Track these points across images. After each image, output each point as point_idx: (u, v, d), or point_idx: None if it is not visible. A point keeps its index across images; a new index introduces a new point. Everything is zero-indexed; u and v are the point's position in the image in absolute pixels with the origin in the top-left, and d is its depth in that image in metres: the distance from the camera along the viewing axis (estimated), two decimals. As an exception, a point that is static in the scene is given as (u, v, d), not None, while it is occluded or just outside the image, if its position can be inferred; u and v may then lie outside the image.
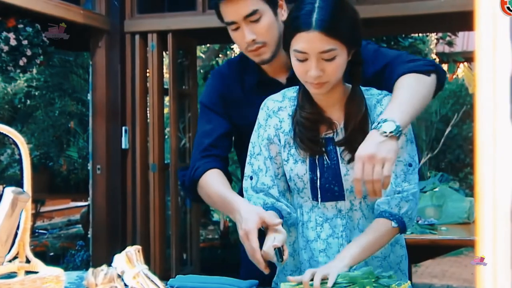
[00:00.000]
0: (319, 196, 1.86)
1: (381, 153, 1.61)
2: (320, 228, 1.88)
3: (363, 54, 1.86)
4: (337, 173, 1.84)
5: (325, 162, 1.85)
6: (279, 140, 1.90)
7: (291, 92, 1.93)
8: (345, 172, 1.83)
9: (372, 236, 1.78)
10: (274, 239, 1.72)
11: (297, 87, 1.90)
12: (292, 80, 1.94)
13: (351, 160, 1.80)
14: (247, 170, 1.95)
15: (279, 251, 1.72)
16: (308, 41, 1.70)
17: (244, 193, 1.95)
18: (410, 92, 1.74)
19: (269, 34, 1.95)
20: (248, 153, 1.96)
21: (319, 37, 1.69)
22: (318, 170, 1.85)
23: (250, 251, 1.74)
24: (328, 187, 1.85)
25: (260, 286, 1.87)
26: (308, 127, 1.85)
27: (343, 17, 1.73)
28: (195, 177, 2.04)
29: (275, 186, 1.90)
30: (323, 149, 1.85)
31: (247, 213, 1.77)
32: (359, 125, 1.81)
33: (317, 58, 1.71)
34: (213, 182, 1.99)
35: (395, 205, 1.82)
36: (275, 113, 1.91)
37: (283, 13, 2.03)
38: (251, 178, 1.93)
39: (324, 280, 1.65)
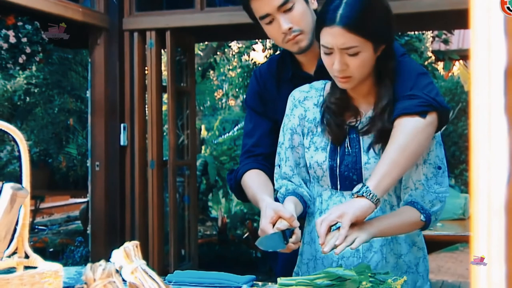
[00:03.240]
0: (338, 184, 1.88)
1: (342, 206, 1.68)
2: None
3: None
4: (357, 161, 1.85)
5: (346, 150, 1.87)
6: (302, 130, 1.93)
7: (319, 83, 1.97)
8: (366, 160, 1.84)
9: (400, 219, 1.79)
10: (280, 223, 1.74)
11: (326, 80, 1.93)
12: (319, 72, 1.98)
13: (369, 147, 1.83)
14: (276, 159, 2.00)
15: (283, 234, 1.73)
16: (332, 36, 1.73)
17: (275, 182, 2.00)
18: (397, 150, 1.72)
19: (304, 21, 1.95)
20: (278, 142, 2.01)
21: (341, 33, 1.71)
22: (338, 158, 1.87)
23: None
24: (347, 175, 1.87)
25: (259, 281, 1.89)
26: (336, 113, 1.88)
27: (370, 14, 1.74)
28: (237, 180, 2.09)
29: (295, 175, 1.94)
30: (347, 136, 1.87)
31: (264, 210, 1.80)
32: (379, 115, 1.83)
33: (340, 53, 1.74)
34: (249, 183, 2.03)
35: (428, 201, 1.83)
36: (301, 103, 1.95)
37: (313, 1, 2.04)
38: (279, 166, 1.98)
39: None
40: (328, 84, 1.93)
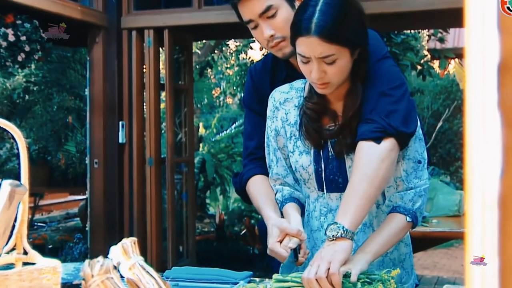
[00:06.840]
0: (324, 186, 1.88)
1: (327, 255, 1.64)
2: (324, 218, 1.90)
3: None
4: (341, 165, 1.85)
5: (329, 154, 1.86)
6: (285, 132, 1.92)
7: (299, 83, 1.93)
8: (350, 164, 1.83)
9: (389, 232, 1.78)
10: (289, 241, 1.74)
11: (306, 79, 1.89)
12: None
13: (341, 153, 1.83)
14: (267, 160, 1.99)
15: (294, 252, 1.75)
16: (308, 46, 1.70)
17: (270, 183, 2.00)
18: (366, 181, 1.70)
19: (287, 28, 1.86)
20: (265, 144, 2.00)
21: (318, 43, 1.68)
22: (322, 162, 1.86)
23: (281, 261, 1.80)
24: (333, 179, 1.86)
25: (256, 277, 1.90)
26: (314, 118, 1.86)
27: (345, 20, 1.70)
28: (242, 185, 2.08)
29: (289, 174, 1.94)
30: (328, 140, 1.86)
31: (270, 229, 1.80)
32: (349, 120, 1.82)
33: (318, 62, 1.71)
34: (254, 193, 2.02)
35: (408, 200, 1.82)
36: (282, 105, 1.93)
37: None
38: (270, 167, 1.98)
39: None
40: (308, 83, 1.91)
